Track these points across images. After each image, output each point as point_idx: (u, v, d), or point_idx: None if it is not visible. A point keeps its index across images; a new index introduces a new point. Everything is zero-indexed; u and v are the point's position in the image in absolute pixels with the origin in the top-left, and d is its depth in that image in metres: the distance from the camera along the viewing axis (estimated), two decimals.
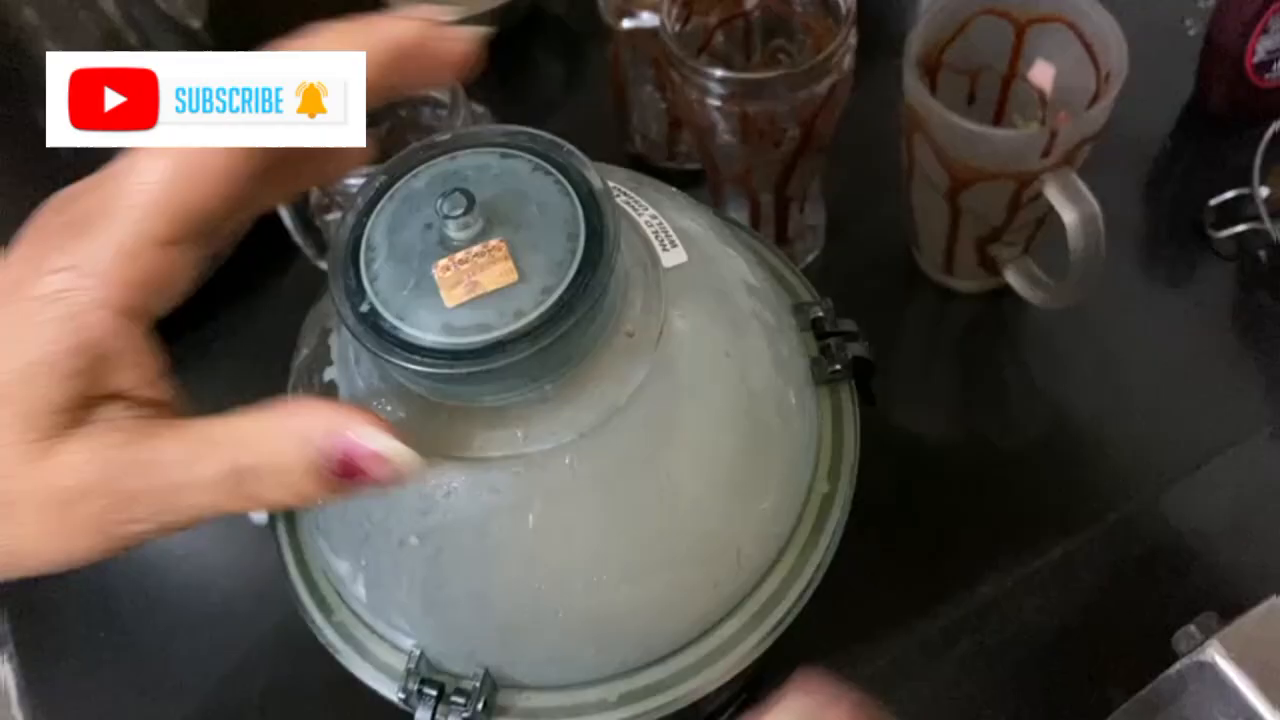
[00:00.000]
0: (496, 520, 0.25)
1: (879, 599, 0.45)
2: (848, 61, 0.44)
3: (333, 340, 0.27)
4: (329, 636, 0.30)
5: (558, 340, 0.22)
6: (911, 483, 0.48)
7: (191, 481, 0.22)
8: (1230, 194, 0.52)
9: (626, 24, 0.50)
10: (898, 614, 0.45)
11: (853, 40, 0.43)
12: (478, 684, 0.27)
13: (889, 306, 0.54)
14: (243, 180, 0.23)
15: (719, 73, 0.42)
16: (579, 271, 0.23)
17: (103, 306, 0.22)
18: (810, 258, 0.53)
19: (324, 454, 0.21)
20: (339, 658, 0.30)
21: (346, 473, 0.22)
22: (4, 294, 0.22)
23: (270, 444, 0.22)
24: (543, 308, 0.22)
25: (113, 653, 0.50)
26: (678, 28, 0.45)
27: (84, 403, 0.22)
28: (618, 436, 0.25)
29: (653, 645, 0.28)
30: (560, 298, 0.23)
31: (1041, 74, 0.47)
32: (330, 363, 0.27)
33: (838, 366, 0.31)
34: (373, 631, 0.29)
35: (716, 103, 0.43)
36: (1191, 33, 0.57)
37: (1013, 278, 0.49)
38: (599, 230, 0.23)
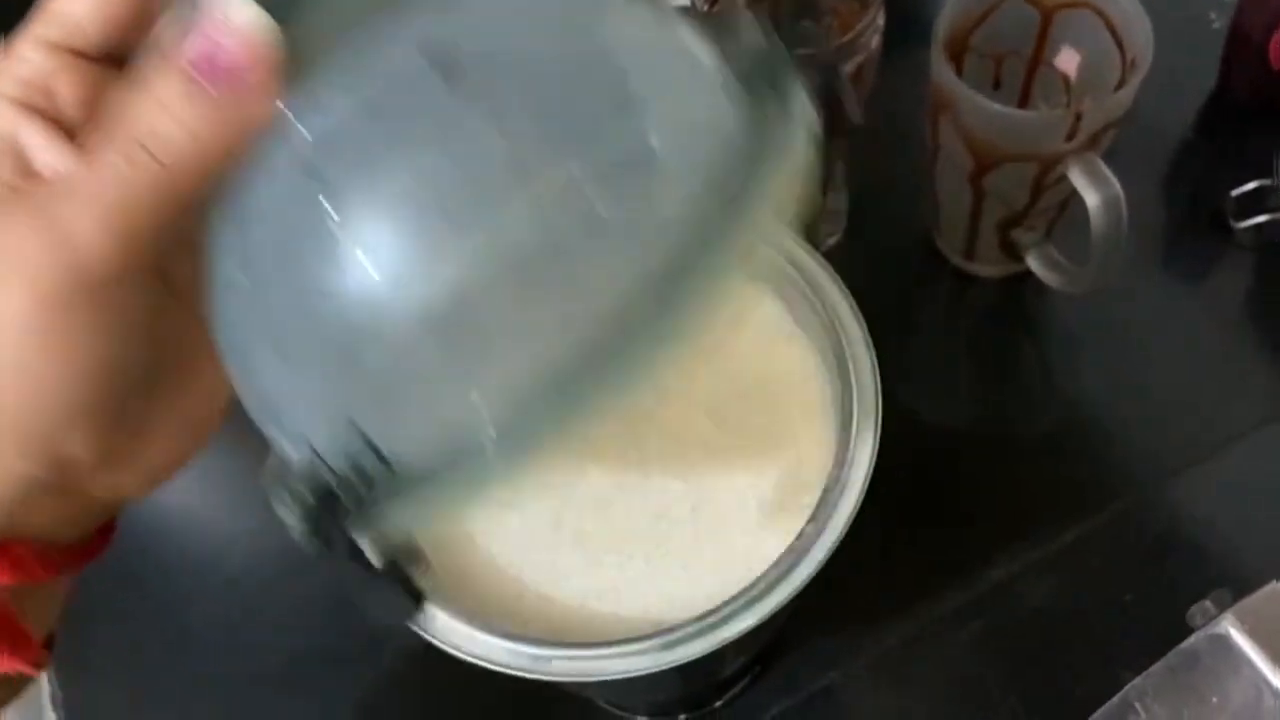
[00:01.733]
0: (279, 186, 0.21)
1: (892, 579, 0.45)
2: (874, 43, 0.44)
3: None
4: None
5: None
6: (926, 465, 0.48)
7: (100, 183, 0.21)
8: (1252, 185, 0.52)
9: None
10: (910, 594, 0.45)
11: (880, 22, 0.44)
12: (356, 458, 0.20)
13: (910, 290, 0.54)
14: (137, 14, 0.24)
15: None
16: None
17: None
18: (832, 241, 0.54)
19: (189, 60, 0.21)
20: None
21: (213, 74, 0.21)
22: None
23: (149, 88, 0.21)
24: None
25: (135, 618, 0.50)
26: (706, 8, 0.46)
27: None
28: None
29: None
30: None
31: (1067, 60, 0.47)
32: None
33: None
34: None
35: None
36: (1215, 25, 0.58)
37: (1034, 262, 0.49)
38: None
